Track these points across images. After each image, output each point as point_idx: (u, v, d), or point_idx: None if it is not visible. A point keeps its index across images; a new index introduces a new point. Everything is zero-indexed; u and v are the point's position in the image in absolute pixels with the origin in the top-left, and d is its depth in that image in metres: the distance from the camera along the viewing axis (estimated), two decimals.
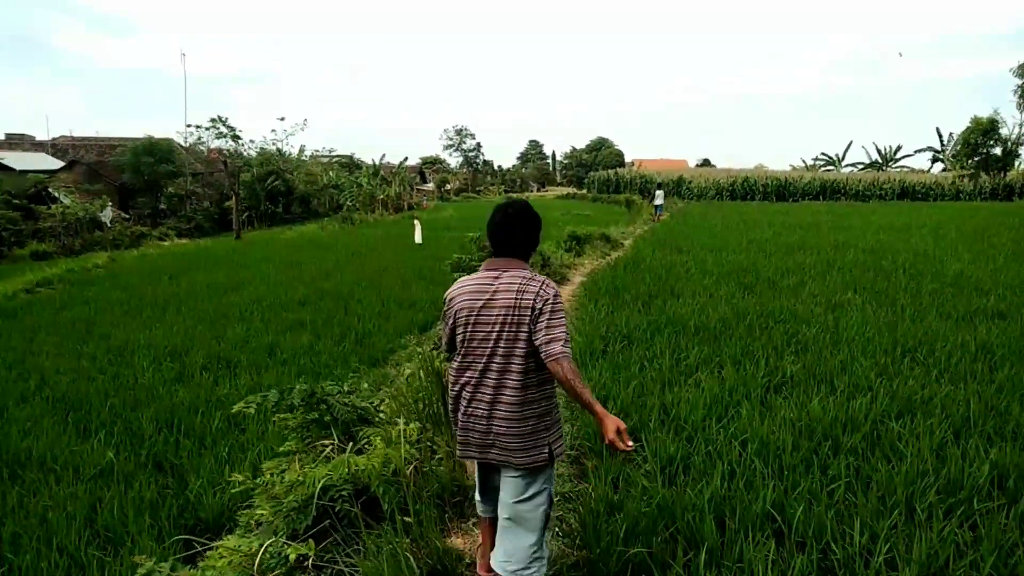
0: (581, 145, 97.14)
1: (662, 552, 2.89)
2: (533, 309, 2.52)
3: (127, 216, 36.82)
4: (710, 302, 8.50)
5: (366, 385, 4.07)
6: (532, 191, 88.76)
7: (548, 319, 2.50)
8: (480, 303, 2.58)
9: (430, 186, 74.04)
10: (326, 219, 38.61)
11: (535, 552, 2.55)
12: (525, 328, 2.52)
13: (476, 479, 2.87)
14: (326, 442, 3.30)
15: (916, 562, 2.74)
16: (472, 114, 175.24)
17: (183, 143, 43.45)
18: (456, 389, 2.65)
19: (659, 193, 33.34)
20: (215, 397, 6.66)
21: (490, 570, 2.65)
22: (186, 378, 7.38)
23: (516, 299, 2.54)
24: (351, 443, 3.21)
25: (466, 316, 2.60)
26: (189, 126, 47.25)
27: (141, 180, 39.03)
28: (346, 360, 7.79)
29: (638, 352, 6.20)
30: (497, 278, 2.62)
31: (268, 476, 3.49)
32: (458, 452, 2.73)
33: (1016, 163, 48.87)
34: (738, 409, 4.63)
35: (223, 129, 44.45)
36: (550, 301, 2.54)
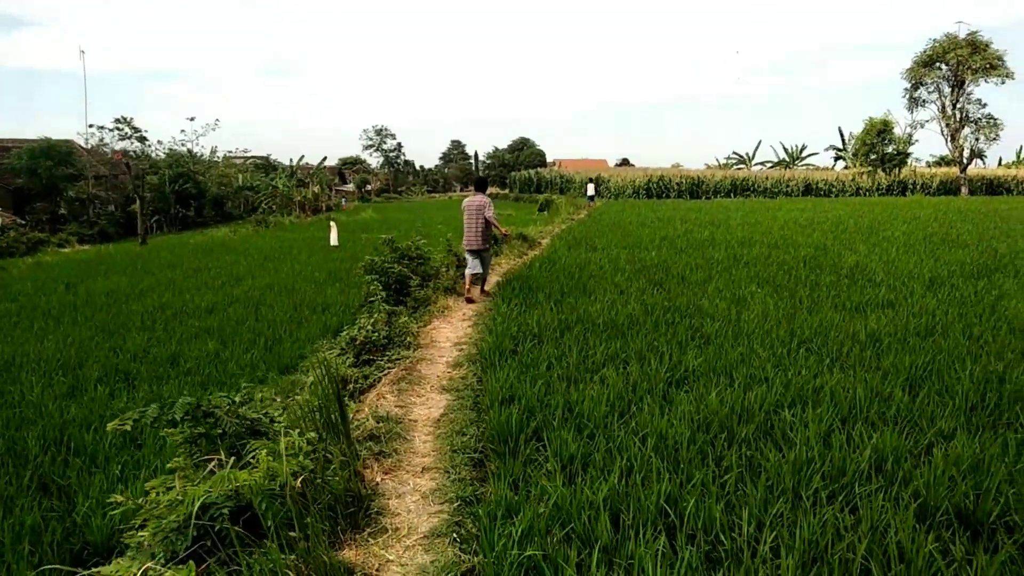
0: (503, 145, 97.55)
1: (556, 553, 2.88)
2: (484, 207, 9.99)
3: (23, 222, 34.58)
4: (620, 299, 8.64)
5: (260, 395, 3.91)
6: (455, 190, 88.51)
7: (488, 209, 10.00)
8: (469, 204, 10.15)
9: (350, 187, 72.79)
10: (239, 222, 37.37)
11: (487, 272, 10.55)
12: (483, 212, 9.95)
13: (468, 258, 10.11)
14: (212, 457, 3.14)
15: (798, 549, 2.83)
16: (393, 113, 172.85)
17: (84, 145, 41.22)
18: (466, 228, 10.17)
19: (590, 186, 42.60)
20: (110, 412, 6.31)
21: (473, 298, 9.92)
22: (79, 392, 6.97)
23: (481, 204, 10.02)
24: (233, 458, 3.06)
25: (463, 207, 10.19)
26: (91, 127, 44.86)
27: (39, 183, 36.70)
28: (254, 368, 7.53)
29: (547, 350, 6.22)
30: (474, 196, 10.26)
31: (153, 495, 3.31)
32: (464, 246, 10.26)
33: (908, 161, 52.13)
34: (640, 405, 4.69)
35: (127, 130, 42.55)
36: (489, 204, 10.10)
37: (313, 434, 3.66)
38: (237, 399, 3.75)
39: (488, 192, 10.81)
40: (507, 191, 71.01)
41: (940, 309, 7.67)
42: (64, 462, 5.21)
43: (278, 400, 5.12)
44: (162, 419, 3.16)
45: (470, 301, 9.86)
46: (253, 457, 3.08)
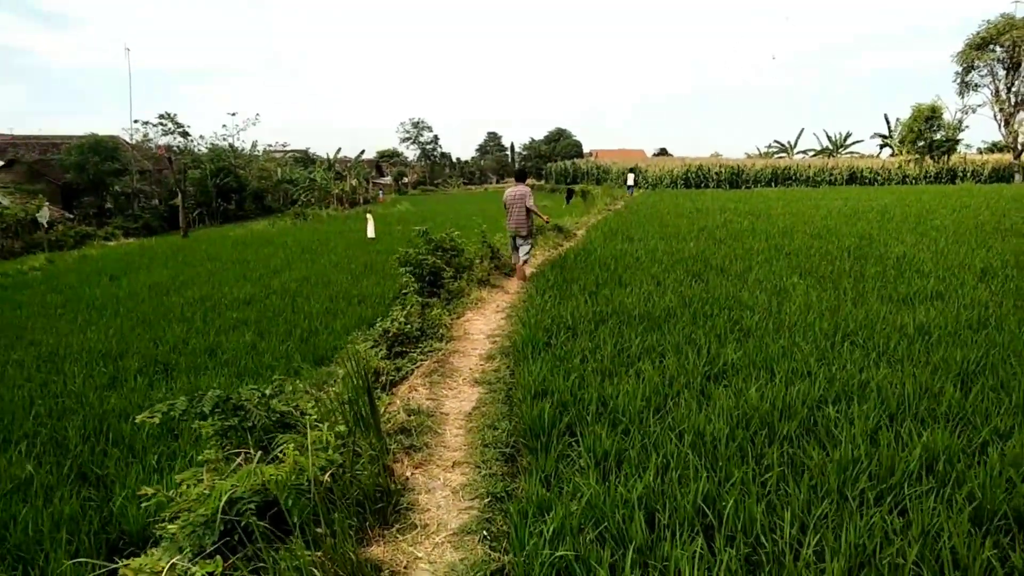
0: (539, 136, 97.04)
1: (588, 553, 2.78)
2: (525, 196, 10.87)
3: (71, 216, 35.57)
4: (657, 290, 8.46)
5: (290, 387, 3.89)
6: (491, 183, 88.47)
7: (529, 199, 10.90)
8: (511, 195, 11.02)
9: (387, 180, 73.28)
10: (278, 215, 37.87)
11: (529, 256, 11.30)
12: (524, 201, 10.83)
13: (510, 243, 11.29)
14: (242, 451, 3.12)
15: (843, 553, 2.69)
16: (430, 108, 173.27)
17: (129, 140, 42.18)
18: (509, 218, 11.06)
19: (630, 176, 43.21)
20: (148, 402, 6.40)
21: (522, 277, 10.96)
22: (119, 383, 7.10)
23: (523, 194, 10.91)
24: (259, 452, 3.03)
25: (506, 198, 11.06)
26: (136, 122, 45.87)
27: (86, 179, 37.70)
28: (289, 359, 7.58)
29: (581, 343, 6.10)
30: (514, 188, 11.08)
31: (184, 487, 3.30)
32: (509, 232, 11.23)
33: (957, 147, 50.39)
34: (677, 400, 4.55)
35: (171, 125, 43.42)
36: (530, 194, 10.97)
37: (343, 427, 3.61)
38: (267, 392, 3.73)
39: (527, 182, 11.62)
40: (543, 182, 70.73)
41: (993, 301, 7.33)
42: (103, 452, 5.29)
43: (311, 392, 5.11)
44: (191, 412, 3.14)
45: (523, 279, 10.94)
46: (281, 451, 3.04)
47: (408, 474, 3.78)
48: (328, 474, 2.96)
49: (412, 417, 4.61)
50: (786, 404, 4.33)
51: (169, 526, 3.10)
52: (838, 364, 5.21)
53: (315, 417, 3.87)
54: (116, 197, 38.88)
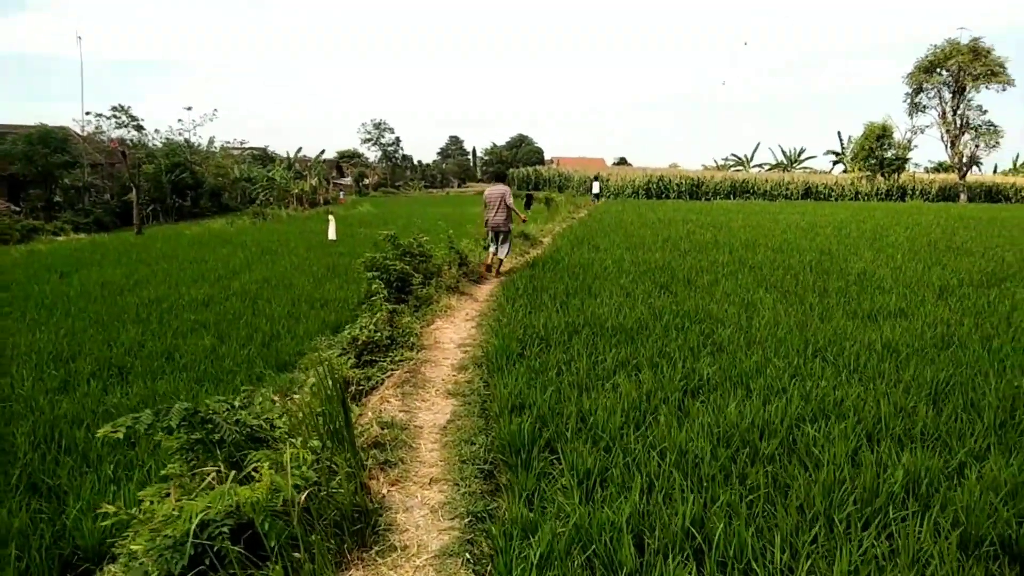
0: (501, 142, 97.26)
1: None
2: (505, 195, 11.63)
3: (17, 209, 34.20)
4: (627, 301, 8.45)
5: (260, 399, 3.72)
6: (453, 187, 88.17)
7: (508, 196, 11.64)
8: (491, 193, 11.79)
9: (348, 180, 72.41)
10: (236, 214, 37.06)
11: (508, 252, 12.15)
12: (504, 198, 11.60)
13: (489, 239, 11.89)
14: (209, 469, 2.95)
15: None
16: (390, 107, 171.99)
17: (81, 132, 40.82)
18: (486, 216, 11.69)
19: (595, 184, 43.85)
20: (103, 408, 6.13)
21: (492, 268, 11.92)
22: (71, 387, 6.78)
23: (502, 192, 11.67)
24: (233, 471, 2.86)
25: (486, 196, 11.80)
26: (88, 114, 44.47)
27: (34, 171, 36.29)
28: (251, 364, 7.36)
29: (556, 355, 6.02)
30: (493, 187, 11.95)
31: (147, 504, 3.11)
32: (487, 228, 11.85)
33: (907, 166, 52.10)
34: (656, 415, 4.51)
35: (124, 118, 42.19)
36: (509, 193, 11.73)
37: (317, 442, 3.46)
38: (236, 403, 3.56)
39: (505, 181, 13.41)
40: None
41: (954, 319, 7.51)
42: (55, 461, 5.04)
43: (277, 402, 4.93)
44: (157, 426, 2.96)
45: (488, 270, 11.94)
46: (255, 469, 2.88)
47: (384, 492, 3.64)
48: (305, 494, 2.81)
49: (386, 431, 4.47)
50: (765, 422, 4.32)
51: (131, 544, 2.92)
52: (811, 381, 5.24)
53: (286, 430, 3.71)
54: (66, 190, 37.54)
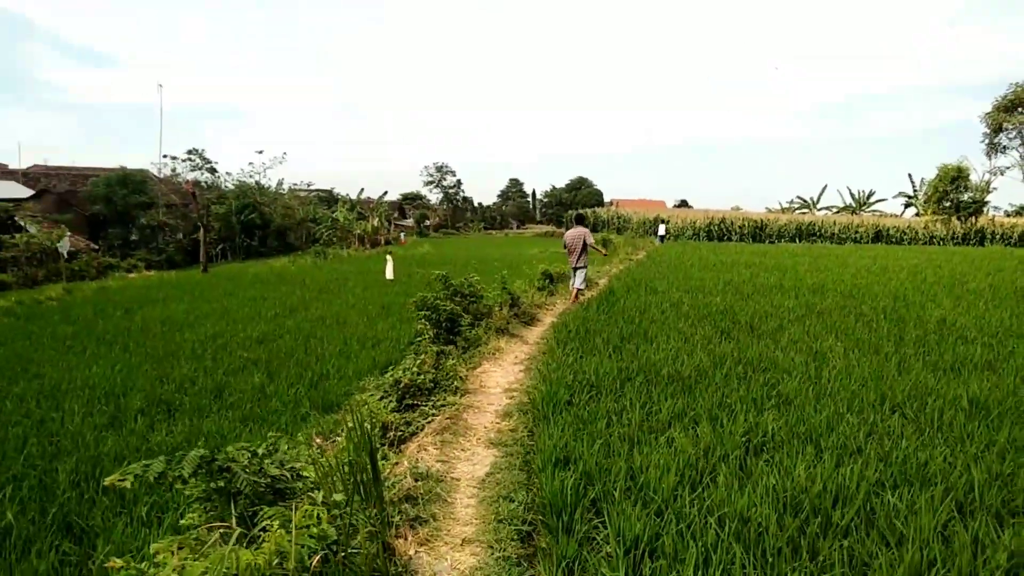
0: (561, 184, 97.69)
1: None
2: (585, 235, 13.05)
3: (96, 247, 35.92)
4: (685, 347, 8.01)
5: (286, 445, 3.51)
6: (512, 228, 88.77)
7: (588, 237, 13.08)
8: (571, 235, 13.27)
9: (409, 222, 73.80)
10: (300, 253, 37.98)
11: (584, 283, 13.58)
12: (583, 239, 12.99)
13: (572, 273, 13.48)
14: (219, 525, 2.73)
15: None
16: (453, 152, 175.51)
17: (158, 174, 42.91)
18: (570, 256, 13.31)
19: (662, 226, 45.67)
20: (147, 446, 6.10)
21: (576, 292, 13.34)
22: (119, 423, 6.81)
23: (582, 233, 13.10)
24: (239, 530, 2.63)
25: (567, 239, 13.31)
26: (165, 157, 46.74)
27: (113, 210, 38.27)
28: (298, 404, 7.28)
29: (606, 404, 5.65)
30: (574, 229, 13.34)
31: (161, 558, 2.91)
32: (569, 264, 13.58)
33: (985, 209, 49.69)
34: (714, 475, 4.09)
35: (199, 161, 44.23)
36: (588, 233, 13.14)
37: (341, 496, 3.21)
38: (260, 451, 3.35)
39: (584, 223, 14.10)
40: (562, 229, 70.76)
41: None
42: (91, 500, 4.97)
43: (316, 443, 4.72)
44: (170, 474, 2.77)
45: (574, 301, 13.27)
46: (266, 528, 2.65)
47: (411, 552, 3.35)
48: (317, 558, 2.55)
49: (419, 483, 4.19)
50: (839, 486, 3.84)
51: None
52: (890, 440, 4.72)
53: (312, 480, 3.48)
54: (142, 229, 39.37)
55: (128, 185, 38.25)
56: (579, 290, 13.41)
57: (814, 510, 3.59)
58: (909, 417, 5.39)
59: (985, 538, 3.26)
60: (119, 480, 2.65)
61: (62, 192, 40.84)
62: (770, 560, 3.08)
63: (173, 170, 42.72)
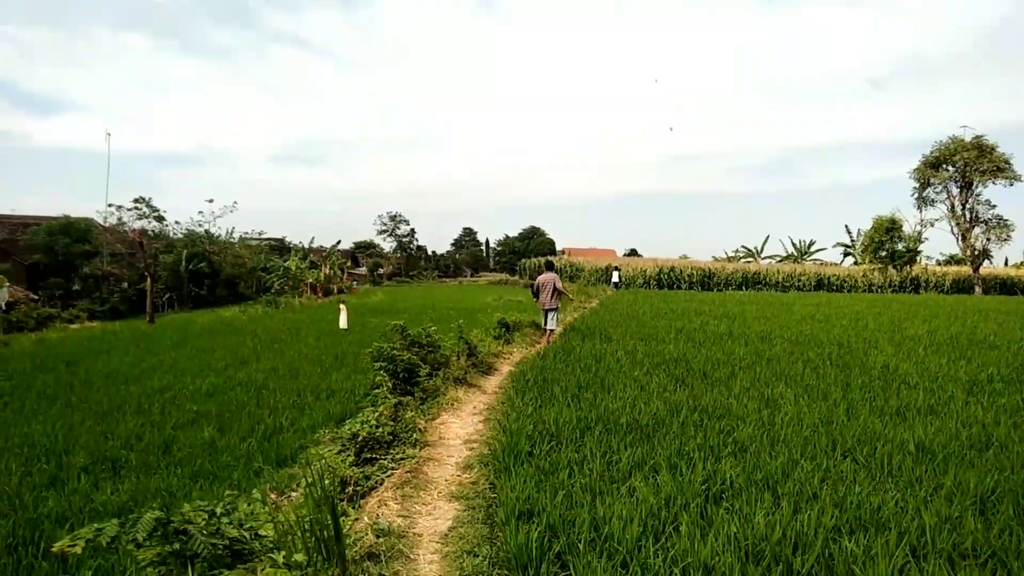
0: (514, 233, 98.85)
1: None
2: (555, 280, 14.60)
3: (36, 297, 34.59)
4: (641, 395, 8.11)
5: (246, 504, 3.41)
6: (466, 276, 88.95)
7: (558, 282, 14.66)
8: (543, 280, 14.65)
9: (363, 270, 73.34)
10: (250, 303, 37.26)
11: (557, 323, 15.04)
12: (554, 283, 14.50)
13: (545, 315, 14.78)
14: None
15: None
16: (407, 202, 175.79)
17: (103, 223, 41.83)
18: (541, 298, 14.57)
19: (616, 274, 46.16)
20: (91, 506, 5.83)
21: (549, 332, 14.80)
22: (60, 482, 6.50)
23: (552, 278, 14.58)
24: None
25: (539, 284, 14.65)
26: (111, 206, 45.65)
27: (54, 260, 37.02)
28: (250, 458, 7.07)
29: (567, 454, 5.66)
30: (545, 275, 14.78)
31: None
32: (540, 307, 14.88)
33: (918, 258, 52.03)
34: (676, 525, 4.12)
35: (145, 209, 43.32)
36: (557, 279, 14.75)
37: (302, 555, 3.14)
38: (218, 510, 3.26)
39: (553, 270, 15.60)
40: (516, 277, 71.24)
41: (989, 419, 7.09)
42: (29, 567, 4.69)
43: (270, 501, 4.59)
44: (123, 537, 2.67)
45: (548, 341, 14.61)
46: None
47: None
48: None
49: (381, 539, 4.10)
50: (797, 533, 3.92)
51: None
52: (844, 486, 4.85)
53: (271, 539, 3.39)
54: (84, 279, 38.12)
55: (71, 234, 37.18)
56: (550, 330, 14.85)
57: (775, 558, 3.65)
58: (860, 462, 5.54)
59: None
60: (69, 546, 2.54)
61: (0, 241, 39.43)
62: None
63: (119, 219, 41.69)
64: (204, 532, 2.90)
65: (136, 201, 42.88)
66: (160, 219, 44.49)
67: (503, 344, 14.00)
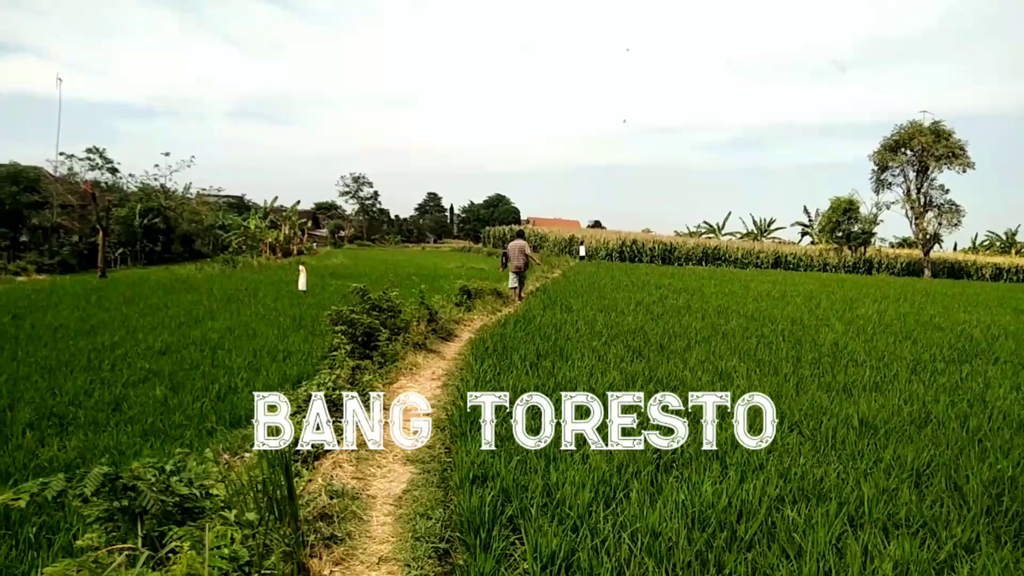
0: (479, 200, 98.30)
1: None
2: (524, 247, 16.78)
3: None
4: (599, 365, 8.21)
5: (195, 462, 3.37)
6: (429, 242, 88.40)
7: (527, 248, 16.93)
8: (513, 247, 16.78)
9: (323, 232, 72.30)
10: (207, 260, 36.49)
11: (524, 285, 17.66)
12: (524, 250, 16.78)
13: (512, 277, 16.95)
14: (122, 547, 2.60)
15: None
16: (371, 163, 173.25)
17: (53, 172, 40.34)
18: (514, 262, 16.72)
19: (582, 247, 48.38)
20: (36, 462, 5.71)
21: (516, 295, 17.11)
22: (4, 438, 6.33)
23: (522, 246, 16.74)
24: (146, 552, 2.52)
25: (509, 249, 16.87)
26: (61, 154, 44.00)
27: (1, 209, 35.63)
28: (204, 418, 6.98)
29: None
30: (516, 241, 16.85)
31: None
32: (512, 270, 16.95)
33: (873, 240, 53.39)
34: (627, 492, 4.22)
35: (98, 160, 41.88)
36: (527, 246, 16.99)
37: (254, 515, 3.13)
38: (168, 467, 3.22)
39: (523, 237, 17.48)
40: (480, 244, 71.11)
41: (930, 396, 7.38)
42: None
43: (223, 461, 4.56)
44: (70, 492, 2.62)
45: (520, 298, 17.01)
46: (174, 550, 2.54)
47: (327, 572, 3.28)
48: None
49: (335, 500, 4.11)
50: (743, 502, 4.05)
51: None
52: (789, 457, 5.01)
53: (223, 498, 3.37)
54: (33, 231, 36.83)
55: (19, 182, 35.76)
56: (516, 289, 17.03)
57: (720, 525, 3.76)
58: (806, 435, 5.72)
59: (874, 550, 3.51)
60: (12, 499, 2.49)
61: None
62: (680, 573, 3.21)
63: (70, 168, 40.30)
64: (154, 489, 2.86)
65: (89, 151, 41.56)
66: (114, 171, 43.24)
67: (464, 311, 13.99)
